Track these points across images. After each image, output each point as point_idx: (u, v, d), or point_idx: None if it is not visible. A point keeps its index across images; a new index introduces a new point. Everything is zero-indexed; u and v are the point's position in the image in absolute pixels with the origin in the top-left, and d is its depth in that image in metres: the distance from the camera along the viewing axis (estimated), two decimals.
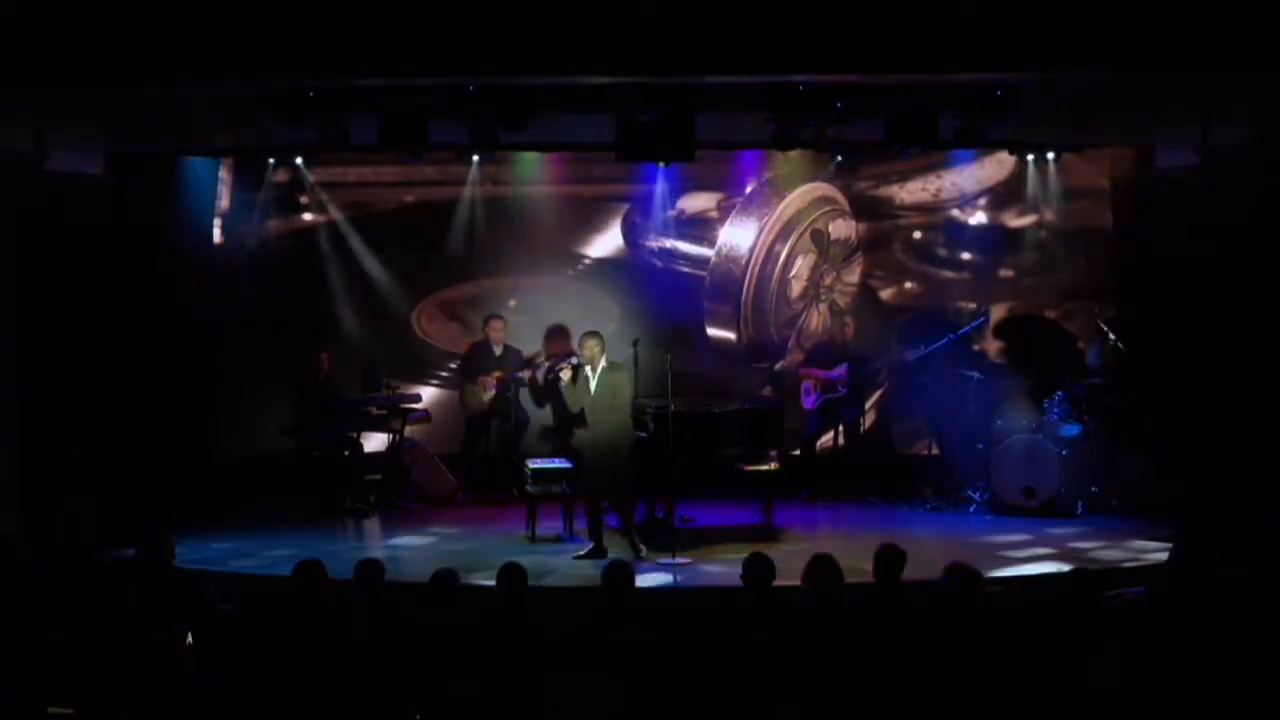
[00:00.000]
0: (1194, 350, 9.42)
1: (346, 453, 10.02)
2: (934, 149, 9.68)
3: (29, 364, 9.05)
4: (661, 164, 10.29)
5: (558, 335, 10.70)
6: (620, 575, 5.43)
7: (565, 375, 8.29)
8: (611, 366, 8.30)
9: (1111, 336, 9.81)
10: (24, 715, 4.64)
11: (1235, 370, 9.08)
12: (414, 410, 10.29)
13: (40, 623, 5.22)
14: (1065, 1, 7.42)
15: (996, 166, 10.88)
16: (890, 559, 5.59)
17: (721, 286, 11.03)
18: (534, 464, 9.12)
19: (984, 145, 9.89)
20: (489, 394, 10.28)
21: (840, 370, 10.00)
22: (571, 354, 9.02)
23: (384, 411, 10.21)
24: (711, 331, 11.06)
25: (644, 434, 8.58)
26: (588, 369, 8.27)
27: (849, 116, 8.63)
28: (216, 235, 10.81)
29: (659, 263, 11.10)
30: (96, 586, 5.70)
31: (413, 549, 8.66)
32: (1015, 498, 9.52)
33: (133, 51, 7.39)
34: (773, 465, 8.93)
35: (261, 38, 7.40)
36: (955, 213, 11.04)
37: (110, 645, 5.06)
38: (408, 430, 10.26)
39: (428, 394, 10.71)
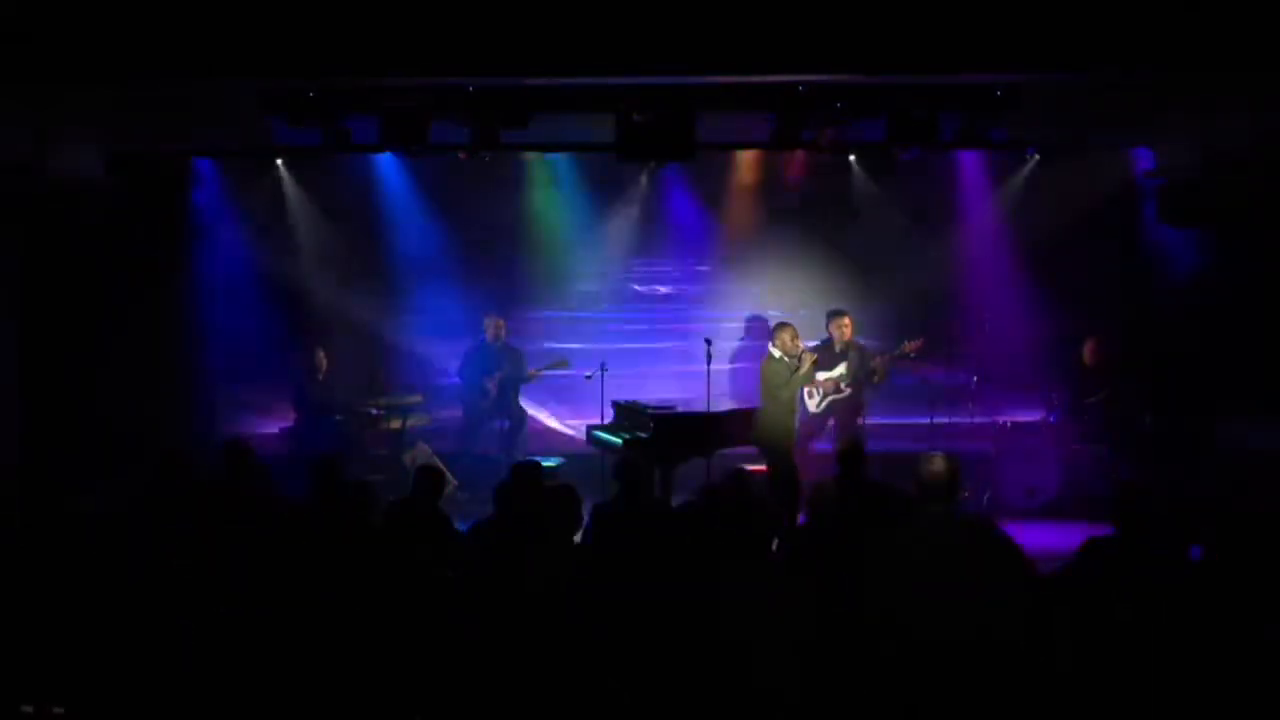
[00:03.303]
0: (1193, 350, 9.43)
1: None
2: (934, 149, 9.67)
3: (28, 364, 9.06)
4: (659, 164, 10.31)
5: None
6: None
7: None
8: None
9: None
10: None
11: (1234, 370, 9.09)
12: (414, 409, 10.29)
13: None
14: (1065, 1, 7.42)
15: None
16: (852, 451, 5.91)
17: None
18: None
19: (984, 145, 9.88)
20: (491, 393, 10.29)
21: (840, 370, 9.97)
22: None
23: (384, 411, 10.21)
24: None
25: (643, 434, 8.58)
26: (786, 360, 8.57)
27: (849, 116, 8.63)
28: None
29: None
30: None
31: None
32: (1016, 498, 9.51)
33: (132, 51, 7.40)
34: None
35: (261, 38, 7.41)
36: None
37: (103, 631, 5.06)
38: (408, 429, 10.26)
39: (427, 393, 10.72)
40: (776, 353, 8.71)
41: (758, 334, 10.76)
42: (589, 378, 10.06)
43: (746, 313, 11.35)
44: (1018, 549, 4.83)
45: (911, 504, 5.02)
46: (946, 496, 4.90)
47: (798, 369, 8.64)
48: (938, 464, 4.93)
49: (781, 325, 8.84)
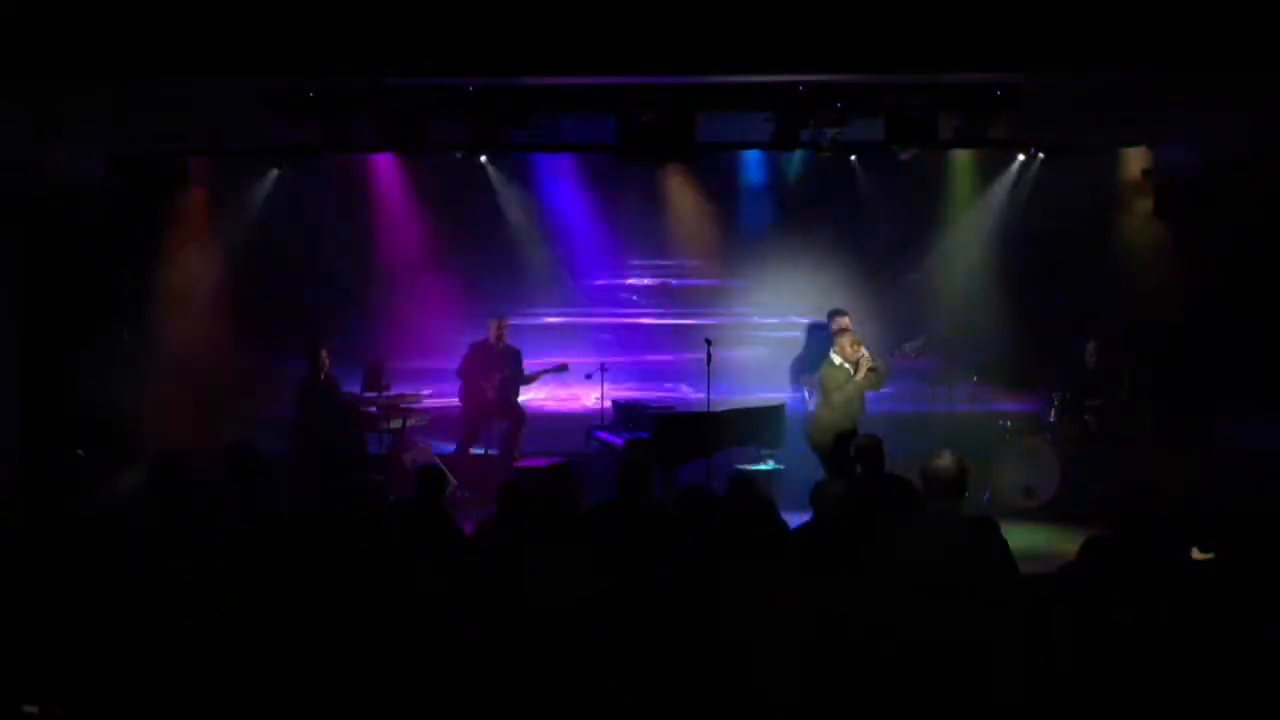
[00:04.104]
0: (1193, 350, 9.42)
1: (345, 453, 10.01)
2: (934, 149, 9.69)
3: (28, 364, 9.06)
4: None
5: None
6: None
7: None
8: None
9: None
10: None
11: (1234, 370, 9.08)
12: (414, 409, 10.29)
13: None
14: (1065, 1, 7.42)
15: None
16: (870, 449, 5.85)
17: None
18: None
19: (984, 145, 9.89)
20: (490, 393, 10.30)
21: None
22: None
23: (384, 411, 10.20)
24: None
25: (644, 434, 8.58)
26: (846, 366, 8.45)
27: (849, 116, 8.64)
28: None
29: None
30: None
31: None
32: (1015, 498, 9.51)
33: (132, 51, 7.40)
34: (771, 466, 8.93)
35: (261, 38, 7.41)
36: None
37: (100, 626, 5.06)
38: (408, 429, 10.25)
39: (427, 393, 10.71)
40: (837, 360, 8.52)
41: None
42: (589, 378, 10.08)
43: (745, 310, 11.38)
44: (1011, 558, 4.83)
45: (917, 500, 5.02)
46: (952, 495, 4.89)
47: (854, 374, 8.49)
48: (946, 462, 4.92)
49: (842, 331, 8.70)
